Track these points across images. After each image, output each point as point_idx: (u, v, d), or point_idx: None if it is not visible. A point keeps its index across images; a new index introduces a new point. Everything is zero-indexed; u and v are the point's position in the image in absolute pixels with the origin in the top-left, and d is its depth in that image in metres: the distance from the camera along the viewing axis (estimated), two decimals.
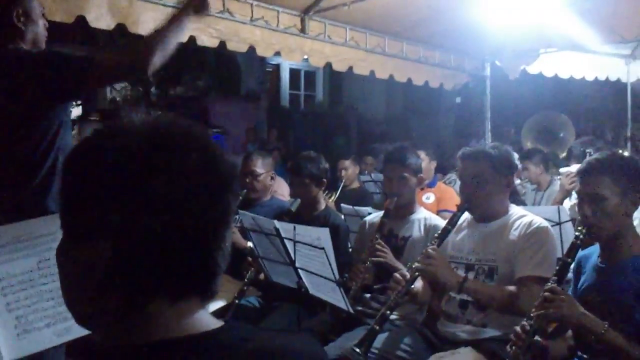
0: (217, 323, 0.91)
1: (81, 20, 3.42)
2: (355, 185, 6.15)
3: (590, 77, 6.75)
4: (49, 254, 1.78)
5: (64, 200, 0.89)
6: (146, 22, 3.64)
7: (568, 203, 4.29)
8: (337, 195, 5.63)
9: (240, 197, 3.88)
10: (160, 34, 2.35)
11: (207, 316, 0.91)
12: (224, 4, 4.03)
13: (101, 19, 3.49)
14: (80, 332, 1.73)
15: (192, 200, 0.85)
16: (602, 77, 6.88)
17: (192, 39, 3.90)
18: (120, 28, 3.64)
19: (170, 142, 0.87)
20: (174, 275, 0.86)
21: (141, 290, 0.85)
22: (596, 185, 2.30)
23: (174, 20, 2.38)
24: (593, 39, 5.04)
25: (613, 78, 7.00)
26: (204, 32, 3.98)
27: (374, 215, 3.60)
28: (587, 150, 5.04)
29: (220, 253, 0.90)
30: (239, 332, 0.91)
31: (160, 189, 0.83)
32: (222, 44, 4.13)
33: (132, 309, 0.86)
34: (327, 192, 5.52)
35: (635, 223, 2.56)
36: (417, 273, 2.74)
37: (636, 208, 2.43)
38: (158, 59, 2.32)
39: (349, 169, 6.03)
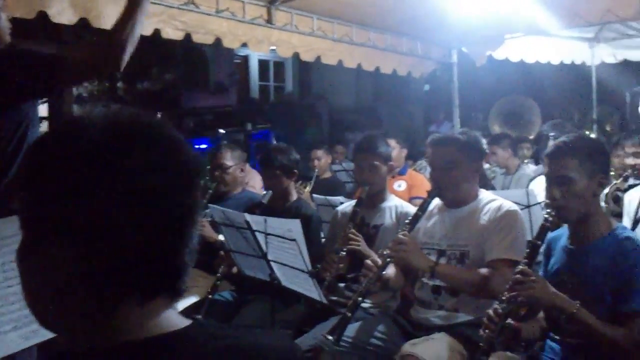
0: (185, 322, 0.89)
1: (44, 16, 3.34)
2: (328, 175, 6.16)
3: (555, 61, 6.83)
4: (13, 256, 1.74)
5: (23, 200, 0.86)
6: (109, 15, 3.56)
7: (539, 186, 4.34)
8: (312, 186, 5.62)
9: (211, 191, 3.85)
10: (126, 24, 2.28)
11: (175, 315, 0.89)
12: None
13: (63, 14, 3.41)
14: (48, 334, 1.69)
15: (156, 197, 0.83)
16: (567, 61, 6.96)
17: (156, 32, 3.84)
18: (84, 22, 3.56)
19: (132, 136, 0.84)
20: (140, 274, 0.84)
21: (107, 292, 0.83)
22: (564, 167, 2.32)
23: (135, 7, 2.32)
24: (557, 23, 5.09)
25: (578, 61, 7.09)
26: (168, 24, 3.91)
27: (346, 205, 3.61)
28: (551, 135, 5.11)
29: (187, 250, 0.88)
30: (208, 330, 0.89)
31: (122, 186, 0.81)
32: (188, 36, 4.07)
33: (98, 311, 0.83)
34: (302, 182, 5.51)
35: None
36: (388, 259, 2.75)
37: (603, 189, 2.47)
38: (128, 53, 2.27)
39: (322, 159, 6.03)
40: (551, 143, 4.65)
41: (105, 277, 0.82)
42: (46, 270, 0.83)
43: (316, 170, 5.86)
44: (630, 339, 2.16)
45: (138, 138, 0.85)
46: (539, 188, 4.08)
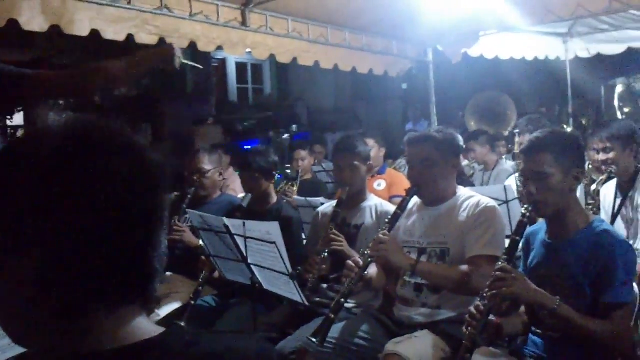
0: (158, 330, 0.88)
1: (14, 24, 3.29)
2: (309, 176, 6.14)
3: (530, 57, 6.89)
4: None
5: None
6: (81, 21, 3.53)
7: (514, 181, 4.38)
8: (297, 185, 5.60)
9: (189, 196, 3.82)
10: (116, 71, 2.26)
11: (147, 323, 0.88)
12: (161, 0, 3.94)
13: (34, 21, 3.36)
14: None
15: (118, 203, 0.81)
16: (541, 57, 7.03)
17: (130, 37, 3.81)
18: (56, 29, 3.52)
19: (90, 143, 0.83)
20: (106, 282, 0.82)
21: (74, 301, 0.81)
22: (539, 162, 2.34)
23: (135, 66, 2.30)
24: (530, 19, 5.14)
25: (552, 57, 7.15)
26: (142, 29, 3.88)
27: (327, 206, 3.60)
28: (516, 131, 5.16)
29: (155, 255, 0.87)
30: (182, 337, 0.88)
31: (84, 193, 0.79)
32: (162, 40, 4.03)
33: (66, 321, 0.82)
34: (289, 182, 5.49)
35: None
36: (369, 259, 2.75)
37: (579, 183, 2.49)
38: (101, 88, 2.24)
39: (306, 160, 6.01)
40: (517, 140, 4.70)
41: (69, 287, 0.80)
42: (8, 283, 0.81)
43: (300, 170, 5.84)
44: (610, 331, 2.18)
45: (96, 144, 0.83)
46: (515, 185, 4.13)
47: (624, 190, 3.69)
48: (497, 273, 2.24)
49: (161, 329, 0.88)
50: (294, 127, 10.38)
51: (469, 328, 2.25)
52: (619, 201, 3.71)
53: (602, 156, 3.66)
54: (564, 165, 2.33)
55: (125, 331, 0.84)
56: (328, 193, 5.43)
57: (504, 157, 6.38)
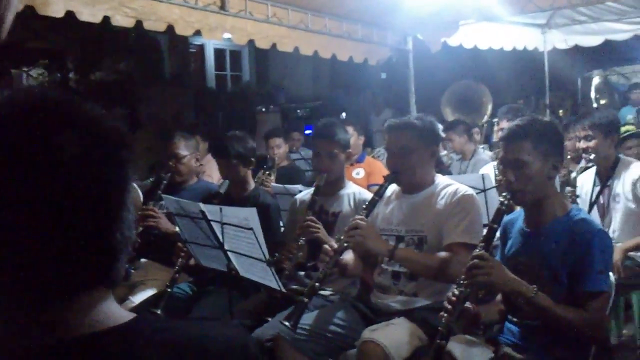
0: (128, 315, 0.84)
1: None
2: (285, 163, 6.11)
3: (508, 47, 6.92)
4: None
5: None
6: (56, 2, 3.45)
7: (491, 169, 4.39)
8: (274, 174, 5.56)
9: (165, 182, 3.77)
10: None
11: (115, 308, 0.84)
12: None
13: None
14: None
15: (68, 178, 0.76)
16: (519, 47, 7.06)
17: (106, 19, 3.72)
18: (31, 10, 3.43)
19: (37, 116, 0.78)
20: (65, 263, 0.77)
21: (32, 286, 0.77)
22: (518, 150, 2.34)
23: None
24: (509, 9, 5.16)
25: (530, 47, 7.19)
26: (118, 11, 3.79)
27: (304, 193, 3.58)
28: (494, 120, 5.19)
29: (117, 234, 0.82)
30: (152, 323, 0.85)
31: (28, 169, 0.75)
32: (139, 23, 3.95)
33: (25, 308, 0.77)
34: (266, 171, 5.45)
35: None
36: (345, 244, 2.73)
37: (558, 172, 2.50)
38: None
39: (281, 147, 5.97)
40: (496, 128, 4.73)
41: (25, 270, 0.76)
42: None
43: (275, 158, 5.80)
44: (586, 320, 2.20)
45: (42, 117, 0.79)
46: (492, 173, 4.15)
47: (602, 179, 3.73)
48: (474, 261, 2.24)
49: (131, 315, 0.85)
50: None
51: (445, 315, 2.25)
52: (596, 190, 3.74)
53: (583, 144, 3.69)
54: (542, 154, 2.33)
55: (91, 318, 0.80)
56: (306, 180, 5.40)
57: (481, 146, 6.41)
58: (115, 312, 0.84)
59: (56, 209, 0.76)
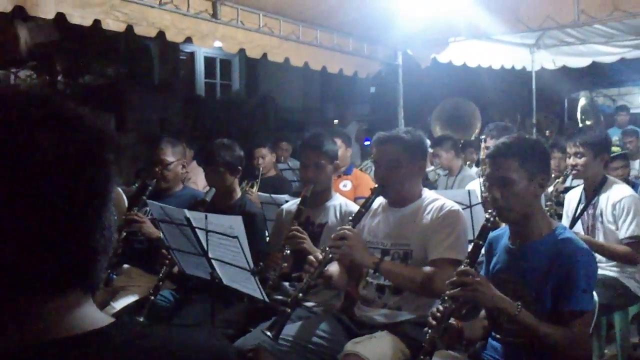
0: (107, 320, 0.82)
1: None
2: (272, 173, 6.10)
3: (497, 66, 6.97)
4: None
5: None
6: (46, 3, 3.42)
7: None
8: (258, 185, 5.54)
9: (150, 188, 3.75)
10: None
11: (94, 312, 0.82)
12: None
13: None
14: None
15: (43, 177, 0.74)
16: (508, 66, 7.12)
17: (97, 23, 3.71)
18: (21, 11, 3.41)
19: (24, 113, 0.77)
20: (41, 264, 0.75)
21: (5, 285, 0.75)
22: (504, 168, 2.35)
23: None
24: (499, 28, 5.20)
25: (518, 67, 7.26)
26: (109, 15, 3.78)
27: (291, 203, 3.57)
28: (481, 137, 5.22)
29: (97, 234, 0.80)
30: (132, 329, 0.83)
31: (7, 164, 0.73)
32: (130, 28, 3.94)
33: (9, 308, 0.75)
34: (249, 182, 5.43)
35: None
36: (330, 254, 2.71)
37: (544, 190, 2.51)
38: None
39: (266, 157, 5.96)
40: (483, 145, 4.76)
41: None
42: None
43: (261, 168, 5.79)
44: (569, 338, 2.20)
45: (30, 112, 0.77)
46: (478, 190, 4.16)
47: (588, 197, 3.75)
48: (461, 277, 2.24)
49: (110, 319, 0.83)
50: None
51: (430, 330, 2.24)
52: (581, 207, 3.76)
53: (572, 160, 3.69)
54: (528, 172, 2.34)
55: (68, 321, 0.78)
56: (292, 191, 5.39)
57: (467, 163, 6.45)
58: (94, 315, 0.82)
59: (32, 206, 0.74)
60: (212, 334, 0.96)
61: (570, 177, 4.45)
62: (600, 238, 3.66)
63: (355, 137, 9.23)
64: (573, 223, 3.75)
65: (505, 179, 2.33)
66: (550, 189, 4.16)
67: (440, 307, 2.25)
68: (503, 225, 2.65)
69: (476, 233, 2.51)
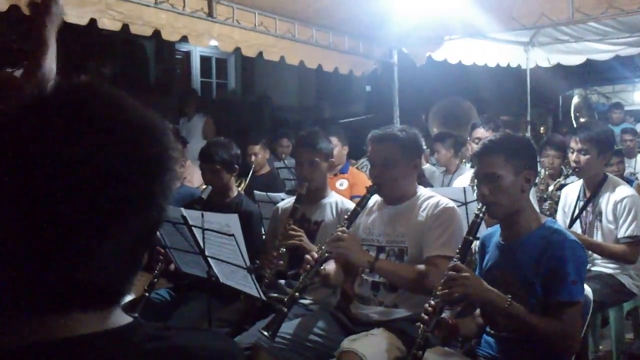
0: (125, 319, 0.83)
1: None
2: (266, 170, 6.08)
3: (492, 64, 7.00)
4: None
5: None
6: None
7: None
8: (246, 183, 5.52)
9: None
10: None
11: (113, 310, 0.83)
12: None
13: None
14: None
15: (93, 181, 0.76)
16: (503, 64, 7.15)
17: (92, 22, 3.71)
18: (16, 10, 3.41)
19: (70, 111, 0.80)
20: (66, 281, 0.77)
21: (32, 298, 0.76)
22: (491, 164, 2.39)
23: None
24: (494, 26, 5.23)
25: (514, 64, 7.28)
26: (105, 14, 3.78)
27: (287, 201, 3.58)
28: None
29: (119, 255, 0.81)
30: (145, 330, 0.83)
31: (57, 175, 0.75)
32: (126, 27, 3.95)
33: (23, 313, 0.77)
34: (237, 180, 5.41)
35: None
36: (327, 254, 2.74)
37: (531, 185, 2.54)
38: None
39: (259, 154, 5.94)
40: (472, 136, 4.76)
41: (29, 284, 0.76)
42: None
43: (253, 166, 5.77)
44: (560, 329, 2.23)
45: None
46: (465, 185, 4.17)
47: (587, 195, 3.73)
48: (450, 272, 2.27)
49: (128, 319, 0.84)
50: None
51: (422, 325, 2.27)
52: (580, 204, 3.76)
53: (574, 157, 3.65)
54: (514, 167, 2.38)
55: (88, 319, 0.79)
56: (285, 189, 5.39)
57: (464, 160, 6.46)
58: (114, 314, 0.83)
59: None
60: (219, 335, 0.98)
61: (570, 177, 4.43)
62: (598, 237, 3.66)
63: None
64: (572, 222, 3.74)
65: (492, 174, 2.38)
66: (551, 188, 4.16)
67: (432, 302, 2.28)
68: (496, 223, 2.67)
69: None
